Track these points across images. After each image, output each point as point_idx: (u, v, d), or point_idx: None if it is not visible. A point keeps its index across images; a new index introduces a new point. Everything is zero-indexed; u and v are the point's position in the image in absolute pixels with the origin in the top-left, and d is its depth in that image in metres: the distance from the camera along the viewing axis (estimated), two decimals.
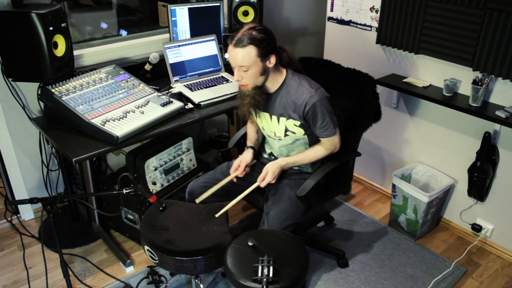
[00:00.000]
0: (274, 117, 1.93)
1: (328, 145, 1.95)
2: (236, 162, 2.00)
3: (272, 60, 1.77)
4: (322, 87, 1.89)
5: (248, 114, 1.97)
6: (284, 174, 2.04)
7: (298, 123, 1.89)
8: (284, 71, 1.88)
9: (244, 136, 2.30)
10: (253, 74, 1.77)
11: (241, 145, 2.28)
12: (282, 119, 1.91)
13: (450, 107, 2.30)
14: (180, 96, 2.40)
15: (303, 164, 2.02)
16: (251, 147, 2.07)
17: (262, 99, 1.86)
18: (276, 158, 2.09)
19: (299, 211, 1.95)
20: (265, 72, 1.79)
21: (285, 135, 1.94)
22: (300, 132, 1.92)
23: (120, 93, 2.26)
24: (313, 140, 1.98)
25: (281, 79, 1.87)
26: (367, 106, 2.08)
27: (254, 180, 1.98)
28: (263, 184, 1.91)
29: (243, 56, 1.71)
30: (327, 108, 1.86)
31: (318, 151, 1.96)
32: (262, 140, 2.17)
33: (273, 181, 1.92)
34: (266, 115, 1.96)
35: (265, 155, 2.14)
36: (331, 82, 2.21)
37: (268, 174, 1.90)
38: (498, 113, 2.12)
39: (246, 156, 2.01)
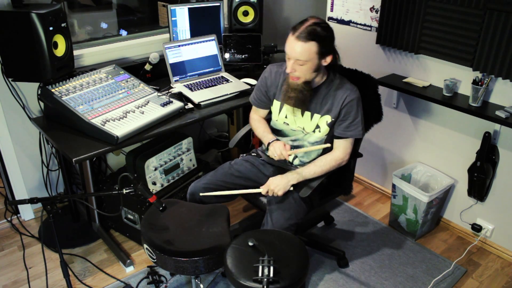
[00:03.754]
0: (308, 113, 1.92)
1: (343, 150, 1.92)
2: (282, 147, 1.88)
3: (328, 59, 1.77)
4: None
5: (298, 107, 1.90)
6: (286, 171, 2.03)
7: (330, 120, 1.89)
8: (328, 72, 1.89)
9: (245, 136, 2.30)
10: (307, 70, 1.75)
11: (241, 145, 2.28)
12: (317, 115, 1.91)
13: (450, 107, 2.30)
14: (180, 96, 2.40)
15: (316, 176, 1.94)
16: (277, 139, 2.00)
17: (310, 95, 1.85)
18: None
19: (302, 211, 1.95)
20: (318, 69, 1.79)
21: (313, 131, 1.94)
22: (325, 131, 1.92)
23: (120, 93, 2.26)
24: (325, 151, 1.96)
25: (325, 76, 1.88)
26: (369, 107, 2.08)
27: (261, 180, 1.98)
28: (270, 193, 1.87)
29: (303, 50, 1.69)
30: (361, 108, 1.89)
31: (331, 161, 1.92)
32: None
33: (280, 193, 1.86)
34: (297, 110, 1.93)
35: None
36: None
37: (278, 191, 1.85)
38: (498, 113, 2.12)
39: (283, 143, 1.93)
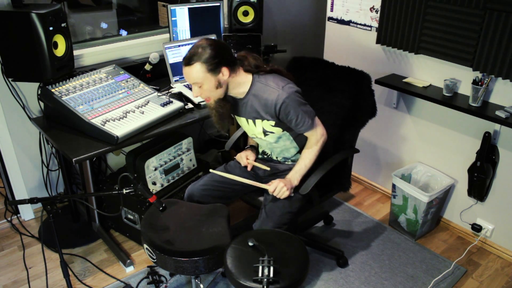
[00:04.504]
0: (250, 121, 1.94)
1: (313, 137, 1.93)
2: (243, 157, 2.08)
3: (225, 72, 1.75)
4: (292, 82, 1.85)
5: (223, 125, 1.93)
6: (281, 172, 2.05)
7: (273, 123, 1.89)
8: (250, 75, 1.85)
9: (241, 137, 2.31)
10: (209, 89, 1.76)
11: (238, 147, 2.29)
12: (258, 121, 1.92)
13: (450, 107, 2.30)
14: (180, 96, 2.40)
15: (309, 167, 1.97)
16: (251, 146, 2.10)
17: (227, 110, 1.87)
18: (269, 155, 2.11)
19: (296, 200, 1.95)
20: (220, 84, 1.77)
21: (265, 135, 1.96)
22: (278, 130, 1.93)
23: (120, 93, 2.26)
24: (295, 134, 1.97)
25: (248, 84, 1.85)
26: (364, 103, 2.10)
27: (257, 180, 1.99)
28: (276, 193, 1.89)
29: (191, 74, 1.73)
30: (298, 102, 1.82)
31: (311, 152, 1.95)
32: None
33: (287, 194, 1.88)
34: (243, 119, 1.97)
35: (259, 156, 2.16)
36: (327, 80, 2.22)
37: (284, 194, 1.87)
38: (498, 113, 2.12)
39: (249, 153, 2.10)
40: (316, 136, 1.93)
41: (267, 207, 1.92)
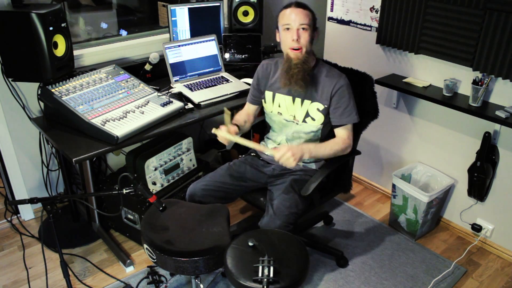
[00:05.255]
0: (298, 100, 1.98)
1: (344, 137, 1.96)
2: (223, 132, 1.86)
3: (316, 34, 1.92)
4: None
5: (301, 83, 1.88)
6: (292, 172, 2.04)
7: (322, 107, 1.94)
8: (314, 56, 1.99)
9: (244, 137, 2.30)
10: (309, 37, 1.86)
11: (239, 147, 2.28)
12: (307, 102, 1.96)
13: (450, 107, 2.29)
14: (180, 96, 2.40)
15: (321, 157, 1.96)
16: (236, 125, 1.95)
17: (309, 68, 1.91)
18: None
19: (302, 202, 1.95)
20: (312, 41, 1.91)
21: (304, 120, 1.98)
22: (319, 119, 1.96)
23: (120, 93, 2.26)
24: (325, 137, 2.01)
25: (313, 62, 1.97)
26: (366, 105, 2.09)
27: (260, 180, 1.99)
28: (281, 161, 1.75)
29: (306, 15, 1.84)
30: (352, 94, 1.96)
31: (336, 143, 1.95)
32: (262, 137, 2.17)
33: (293, 164, 1.74)
34: (288, 98, 2.00)
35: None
36: None
37: (291, 161, 1.73)
38: (498, 113, 2.12)
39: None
40: (348, 138, 1.97)
41: (274, 205, 1.90)
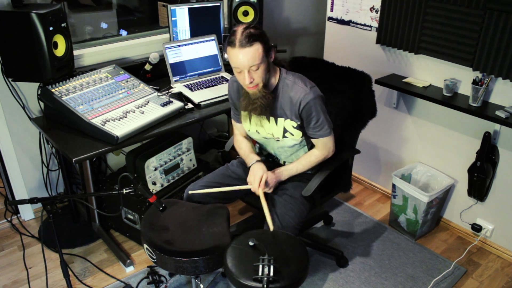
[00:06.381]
0: (272, 118, 1.89)
1: (321, 148, 1.91)
2: (260, 178, 1.84)
3: (273, 54, 1.75)
4: (317, 86, 1.86)
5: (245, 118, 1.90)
6: (283, 182, 2.02)
7: (295, 124, 1.86)
8: (278, 70, 1.84)
9: None
10: (263, 72, 1.71)
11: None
12: (280, 119, 1.88)
13: (450, 107, 2.30)
14: (180, 96, 2.40)
15: (301, 171, 1.97)
16: (261, 160, 1.96)
17: (269, 101, 1.80)
18: (275, 158, 2.08)
19: (305, 209, 1.95)
20: (269, 68, 1.76)
21: (284, 136, 1.91)
22: (298, 135, 1.89)
23: (120, 93, 2.26)
24: (311, 143, 1.95)
25: (277, 78, 1.84)
26: (365, 104, 2.10)
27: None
28: (258, 191, 1.83)
29: (253, 54, 1.65)
30: (321, 107, 1.82)
31: (311, 157, 1.93)
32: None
33: (269, 191, 1.88)
34: (263, 117, 1.90)
35: (262, 157, 2.05)
36: (328, 81, 2.22)
37: (269, 189, 1.86)
38: (498, 113, 2.12)
39: (264, 169, 1.88)
40: (324, 148, 1.92)
41: (279, 215, 1.86)
